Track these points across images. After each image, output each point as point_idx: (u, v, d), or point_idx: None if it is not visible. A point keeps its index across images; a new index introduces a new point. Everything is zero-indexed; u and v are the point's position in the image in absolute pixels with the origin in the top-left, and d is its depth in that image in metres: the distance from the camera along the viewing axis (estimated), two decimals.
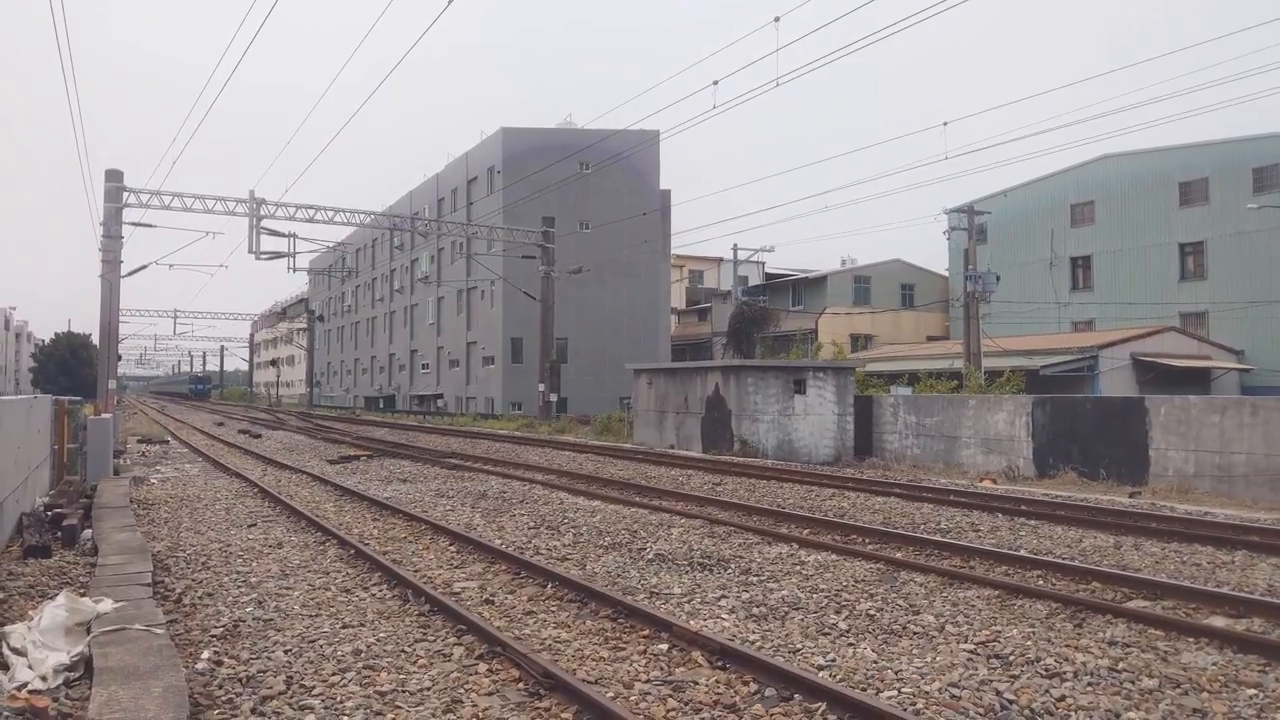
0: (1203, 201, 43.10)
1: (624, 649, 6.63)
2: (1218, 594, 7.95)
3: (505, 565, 9.58)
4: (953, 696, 5.58)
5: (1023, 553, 10.04)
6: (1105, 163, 46.96)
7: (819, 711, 5.29)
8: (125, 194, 30.06)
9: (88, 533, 11.04)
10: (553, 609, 7.84)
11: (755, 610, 7.68)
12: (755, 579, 8.89)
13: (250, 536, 11.49)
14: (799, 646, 6.66)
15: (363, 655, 6.45)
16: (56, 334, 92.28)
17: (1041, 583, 8.71)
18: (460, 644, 6.71)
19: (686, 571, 9.29)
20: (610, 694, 5.62)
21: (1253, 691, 5.70)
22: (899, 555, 9.96)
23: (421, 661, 6.33)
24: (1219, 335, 41.32)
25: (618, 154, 46.46)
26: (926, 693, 5.65)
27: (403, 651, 6.55)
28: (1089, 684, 5.81)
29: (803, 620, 7.39)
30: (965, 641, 6.73)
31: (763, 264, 60.31)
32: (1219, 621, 7.25)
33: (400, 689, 5.76)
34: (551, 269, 40.94)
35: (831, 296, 55.45)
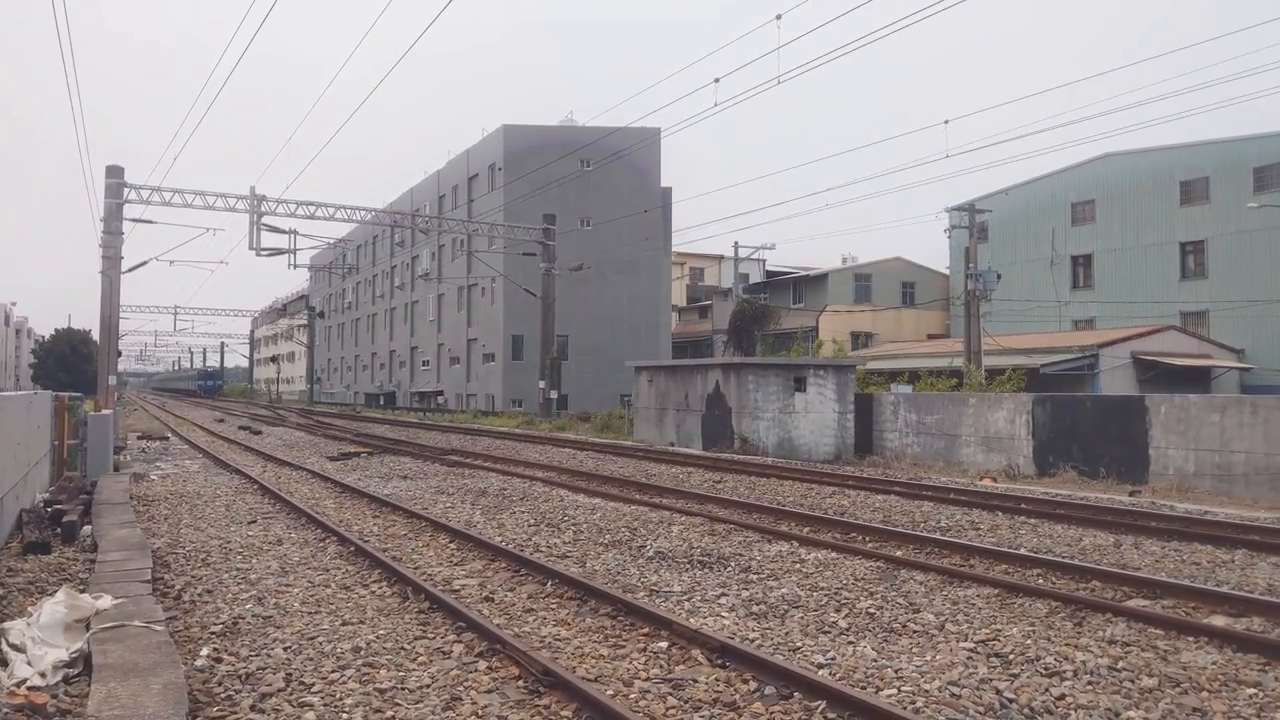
0: (1204, 200, 43.08)
1: (624, 647, 6.63)
2: (1218, 593, 7.95)
3: (505, 563, 9.58)
4: (952, 695, 5.57)
5: (1023, 551, 10.04)
6: (1106, 161, 46.93)
7: (818, 709, 5.29)
8: (126, 190, 30.06)
9: (87, 529, 11.05)
10: (552, 607, 7.84)
11: (755, 608, 7.68)
12: (755, 577, 8.89)
13: (250, 533, 11.49)
14: (799, 645, 6.66)
15: (362, 652, 6.45)
16: (57, 330, 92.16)
17: (1041, 581, 8.70)
18: (460, 641, 6.71)
19: (686, 569, 9.29)
20: (610, 692, 5.62)
21: (1252, 690, 5.70)
22: (899, 553, 9.96)
23: (421, 659, 6.33)
24: (1219, 334, 41.31)
25: (619, 151, 46.44)
26: (926, 691, 5.65)
27: (402, 649, 6.55)
28: (1089, 683, 5.80)
29: (802, 618, 7.38)
30: (965, 640, 6.73)
31: (763, 261, 60.29)
32: (1219, 620, 7.25)
33: (400, 686, 5.76)
34: (552, 266, 40.93)
35: (832, 294, 55.43)
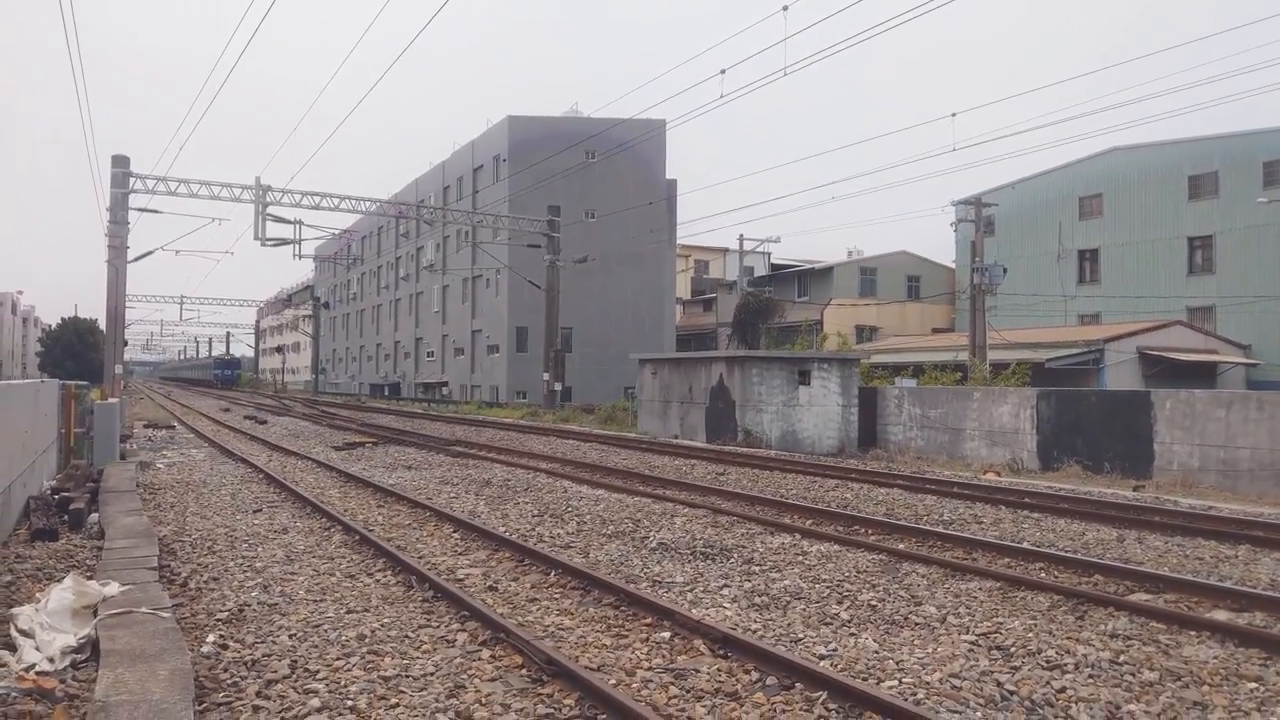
0: (1212, 195, 42.92)
1: (626, 637, 6.66)
2: (1220, 588, 7.96)
3: (509, 553, 9.62)
4: (954, 687, 5.60)
5: (1025, 545, 10.05)
6: (1114, 155, 46.77)
7: (820, 700, 5.32)
8: (131, 180, 30.10)
9: (94, 517, 11.11)
10: (556, 596, 7.87)
11: (757, 600, 7.71)
12: (758, 569, 8.91)
13: (255, 522, 11.55)
14: (801, 636, 6.69)
15: (367, 640, 6.49)
16: (63, 319, 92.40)
17: (1044, 575, 8.72)
18: (464, 630, 6.75)
19: (689, 560, 9.32)
20: (612, 681, 5.65)
21: (1253, 685, 5.71)
22: (901, 546, 9.98)
23: (425, 647, 6.37)
24: (1226, 330, 41.22)
25: (624, 143, 46.38)
26: (927, 683, 5.67)
27: (406, 637, 6.59)
28: (1090, 676, 5.82)
29: (804, 610, 7.41)
30: (967, 633, 6.75)
31: (768, 254, 60.25)
32: (1221, 615, 7.26)
33: (404, 674, 5.80)
34: (557, 258, 40.91)
35: (837, 288, 55.34)
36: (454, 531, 10.94)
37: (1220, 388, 34.68)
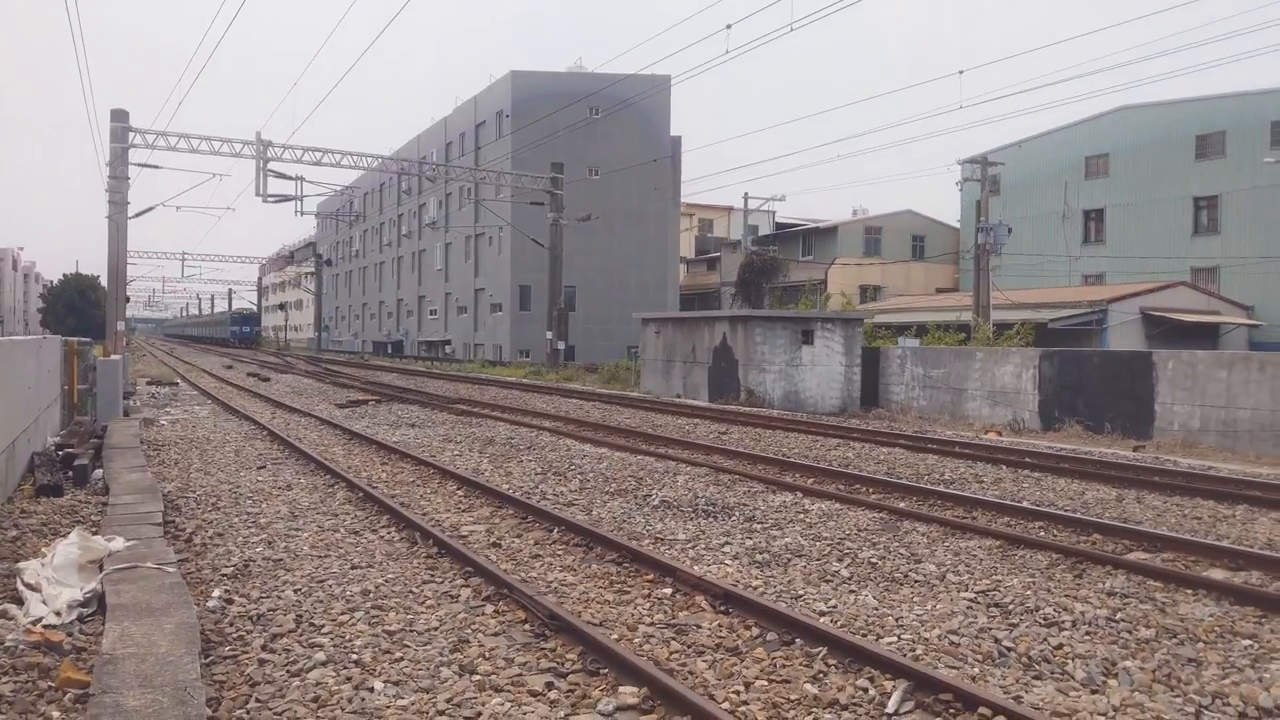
0: (1219, 155, 42.52)
1: (628, 593, 6.72)
2: (1217, 547, 8.00)
3: (512, 510, 9.68)
4: (952, 643, 5.65)
5: (1025, 504, 10.10)
6: (1121, 115, 46.26)
7: (819, 656, 5.37)
8: (131, 134, 29.89)
9: (99, 473, 11.18)
10: (559, 553, 7.93)
11: (758, 557, 7.77)
12: (759, 526, 8.97)
13: (260, 478, 11.61)
14: (801, 593, 6.75)
15: (371, 595, 6.55)
16: (65, 275, 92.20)
17: (1043, 534, 8.77)
18: (468, 586, 6.81)
19: (691, 518, 9.38)
20: (615, 636, 5.71)
21: (1248, 642, 5.77)
22: (902, 505, 10.03)
23: (429, 602, 6.43)
24: (1230, 291, 41.05)
25: (628, 99, 45.89)
26: (926, 639, 5.73)
27: (411, 592, 6.65)
28: (1087, 633, 5.88)
29: (805, 567, 7.47)
30: (966, 590, 6.80)
31: (773, 213, 59.81)
32: (1218, 574, 7.31)
33: (408, 629, 5.86)
34: (560, 216, 40.70)
35: (842, 247, 55.09)
36: (458, 489, 11.00)
37: (1222, 349, 34.63)
